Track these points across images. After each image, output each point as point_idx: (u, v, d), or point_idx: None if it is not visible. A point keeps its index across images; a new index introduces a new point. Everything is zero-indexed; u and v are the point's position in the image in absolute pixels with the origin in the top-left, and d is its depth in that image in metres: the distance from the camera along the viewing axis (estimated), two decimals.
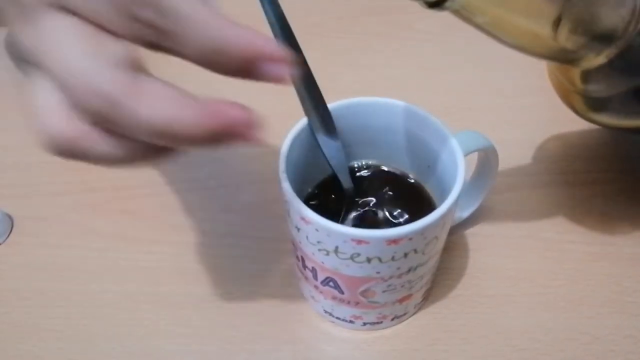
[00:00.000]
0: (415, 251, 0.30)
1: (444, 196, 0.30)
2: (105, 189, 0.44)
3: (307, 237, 0.30)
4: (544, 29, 0.27)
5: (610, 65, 0.29)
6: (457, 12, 0.26)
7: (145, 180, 0.44)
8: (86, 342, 0.36)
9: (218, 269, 0.39)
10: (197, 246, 0.40)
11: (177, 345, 0.35)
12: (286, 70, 0.22)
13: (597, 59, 0.29)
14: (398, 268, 0.30)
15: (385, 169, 0.37)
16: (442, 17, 0.59)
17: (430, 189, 0.36)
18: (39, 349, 0.35)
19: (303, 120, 0.33)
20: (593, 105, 0.32)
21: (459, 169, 0.31)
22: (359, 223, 0.34)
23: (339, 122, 0.34)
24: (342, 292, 0.32)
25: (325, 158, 0.33)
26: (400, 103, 0.34)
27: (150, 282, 0.38)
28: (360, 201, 0.35)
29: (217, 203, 0.42)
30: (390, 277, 0.31)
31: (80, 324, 0.36)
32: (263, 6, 0.31)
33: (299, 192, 0.30)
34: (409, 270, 0.31)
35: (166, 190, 0.43)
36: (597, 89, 0.31)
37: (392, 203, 0.36)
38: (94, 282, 0.38)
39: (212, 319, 0.36)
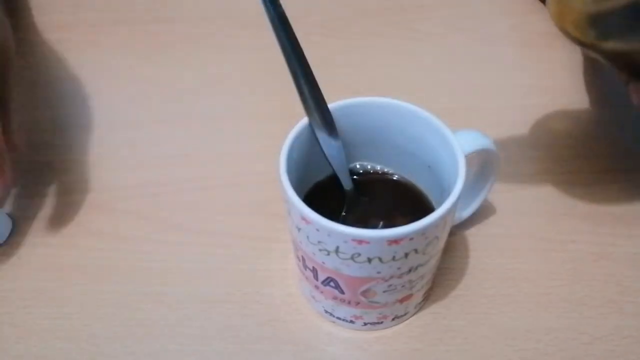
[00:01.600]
0: (416, 251, 0.30)
1: (444, 196, 0.30)
2: (106, 189, 0.43)
3: (307, 237, 0.30)
4: None
5: None
6: None
7: (145, 180, 0.44)
8: (86, 342, 0.36)
9: (218, 269, 0.39)
10: (197, 246, 0.40)
11: (177, 345, 0.35)
12: None
13: None
14: (399, 268, 0.30)
15: (386, 169, 0.37)
16: (442, 18, 0.59)
17: (430, 189, 0.36)
18: (38, 349, 0.35)
19: (304, 120, 0.33)
20: (594, 27, 0.31)
21: (459, 169, 0.31)
22: (360, 223, 0.34)
23: (339, 122, 0.34)
24: (342, 292, 0.32)
25: (326, 158, 0.33)
26: (400, 103, 0.34)
27: (150, 282, 0.38)
28: (360, 201, 0.35)
29: (217, 203, 0.42)
30: (391, 277, 0.31)
31: (80, 324, 0.36)
32: (265, 6, 0.31)
33: (299, 192, 0.30)
34: (410, 270, 0.31)
35: (166, 190, 0.43)
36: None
37: (393, 203, 0.36)
38: (94, 282, 0.38)
39: (212, 319, 0.36)
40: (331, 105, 0.33)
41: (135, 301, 0.37)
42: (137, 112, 0.49)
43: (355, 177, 0.35)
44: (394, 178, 0.37)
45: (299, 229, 0.30)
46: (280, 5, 0.31)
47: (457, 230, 0.40)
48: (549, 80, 0.50)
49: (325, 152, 0.33)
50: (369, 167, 0.37)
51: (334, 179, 0.35)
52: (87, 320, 0.37)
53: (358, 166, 0.37)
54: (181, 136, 0.47)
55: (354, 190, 0.35)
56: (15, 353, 0.35)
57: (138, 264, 0.39)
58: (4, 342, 0.36)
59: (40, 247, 0.40)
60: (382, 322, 0.35)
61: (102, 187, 0.44)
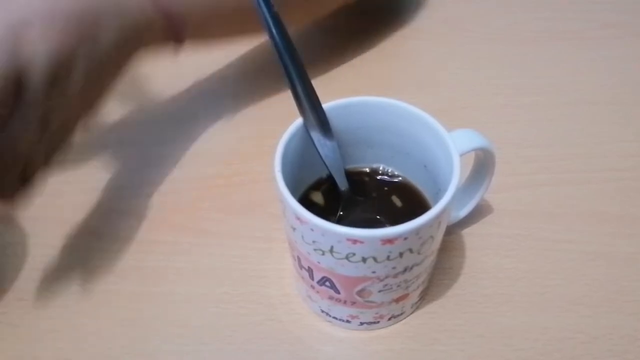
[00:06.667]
0: (411, 251, 0.30)
1: (440, 196, 0.30)
2: (105, 189, 0.44)
3: (302, 236, 0.30)
4: None
5: None
6: None
7: (145, 180, 0.44)
8: (84, 342, 0.36)
9: (215, 269, 0.39)
10: (194, 246, 0.40)
11: (175, 345, 0.35)
12: None
13: None
14: (394, 268, 0.30)
15: (382, 168, 0.37)
16: (440, 17, 0.59)
17: (427, 188, 0.36)
18: (36, 349, 0.35)
19: (299, 121, 0.33)
20: None
21: (454, 168, 0.31)
22: (355, 223, 0.34)
23: (334, 122, 0.34)
24: (338, 292, 0.33)
25: (321, 158, 0.33)
26: (396, 102, 0.34)
27: (148, 282, 0.38)
28: (356, 201, 0.35)
29: (216, 203, 0.42)
30: (386, 277, 0.31)
31: (78, 324, 0.36)
32: (259, 7, 0.31)
33: (294, 192, 0.31)
34: (405, 270, 0.31)
35: (166, 190, 0.43)
36: None
37: (388, 203, 0.36)
38: (92, 282, 0.38)
39: (210, 319, 0.36)
40: (326, 106, 0.33)
41: (132, 301, 0.37)
42: (135, 112, 0.49)
43: (350, 176, 0.35)
44: (390, 178, 0.37)
45: (294, 229, 0.31)
46: (274, 6, 0.31)
47: (454, 229, 0.40)
48: (546, 78, 0.50)
49: (320, 152, 0.33)
50: (365, 166, 0.37)
51: (330, 179, 0.35)
52: (85, 320, 0.37)
53: (354, 165, 0.37)
54: (179, 136, 0.47)
55: (350, 190, 0.35)
56: (13, 353, 0.35)
57: (135, 264, 0.39)
58: (2, 342, 0.36)
59: (39, 247, 0.40)
60: (378, 322, 0.35)
61: (102, 187, 0.44)
